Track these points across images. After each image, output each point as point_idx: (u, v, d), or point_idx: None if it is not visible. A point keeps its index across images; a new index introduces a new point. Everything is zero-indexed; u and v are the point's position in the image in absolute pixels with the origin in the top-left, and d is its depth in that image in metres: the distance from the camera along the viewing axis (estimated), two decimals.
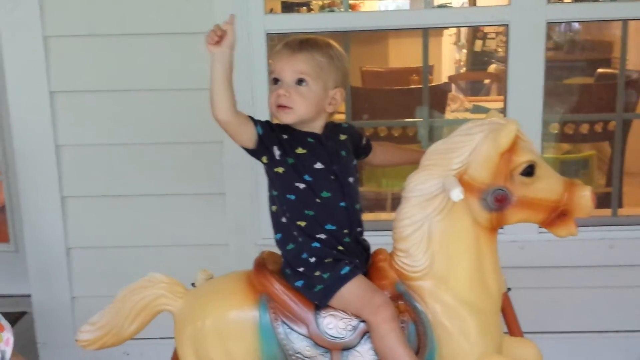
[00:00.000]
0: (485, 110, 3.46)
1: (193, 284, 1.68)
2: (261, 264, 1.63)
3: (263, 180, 2.34)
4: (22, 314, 2.82)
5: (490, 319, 1.57)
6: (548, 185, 1.50)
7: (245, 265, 1.71)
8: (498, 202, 1.49)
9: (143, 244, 2.42)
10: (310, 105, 1.55)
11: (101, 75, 2.33)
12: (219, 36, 1.44)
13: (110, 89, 2.33)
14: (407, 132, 3.22)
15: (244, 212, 2.41)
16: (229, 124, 1.51)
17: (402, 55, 4.65)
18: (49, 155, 2.34)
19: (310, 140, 1.58)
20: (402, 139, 3.20)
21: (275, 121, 1.60)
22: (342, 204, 1.59)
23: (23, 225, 2.43)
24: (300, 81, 1.54)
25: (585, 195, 1.48)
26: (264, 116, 2.24)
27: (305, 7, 4.50)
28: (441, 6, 4.05)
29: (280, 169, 1.57)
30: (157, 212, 2.41)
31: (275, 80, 1.56)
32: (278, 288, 1.57)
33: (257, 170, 2.35)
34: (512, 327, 1.86)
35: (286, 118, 1.55)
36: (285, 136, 1.57)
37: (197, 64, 2.29)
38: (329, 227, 1.57)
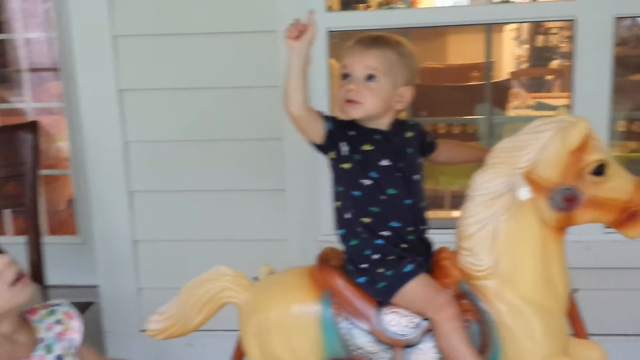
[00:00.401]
0: (549, 107, 3.40)
1: (255, 278, 1.71)
2: (324, 259, 1.65)
3: (323, 177, 2.40)
4: (89, 304, 2.92)
5: (555, 320, 1.54)
6: (619, 184, 1.47)
7: (304, 261, 1.73)
8: (567, 201, 1.46)
9: (206, 238, 2.47)
10: (379, 101, 1.55)
11: (167, 73, 2.39)
12: (299, 31, 1.46)
13: (175, 87, 2.39)
14: (466, 130, 3.18)
15: (304, 208, 2.43)
16: (300, 118, 1.53)
17: (462, 52, 4.59)
18: (117, 151, 2.42)
19: (376, 137, 1.58)
20: (462, 137, 3.16)
21: (341, 118, 1.61)
22: (408, 201, 1.59)
23: (92, 219, 2.51)
24: (370, 77, 1.54)
25: None
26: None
27: (363, 4, 4.49)
28: (504, 1, 3.98)
29: (346, 165, 1.58)
30: (220, 207, 2.46)
31: (345, 76, 1.57)
32: (340, 284, 1.58)
33: (317, 167, 2.37)
34: (578, 328, 1.82)
35: (354, 113, 1.56)
36: (352, 132, 1.58)
37: (260, 62, 2.35)
38: (393, 224, 1.57)
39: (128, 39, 2.37)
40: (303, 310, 1.58)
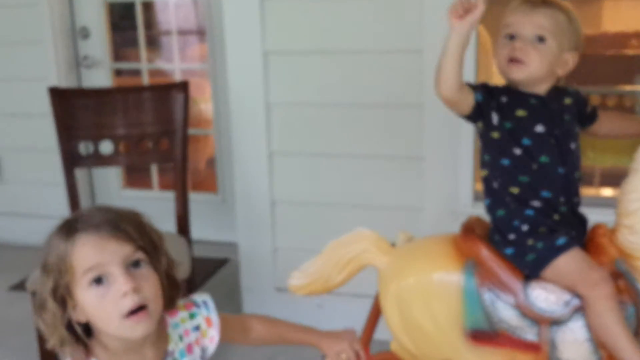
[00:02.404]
0: None
1: (392, 244, 1.70)
2: (469, 228, 1.61)
3: (463, 146, 2.33)
4: (225, 260, 3.06)
5: None
6: None
7: (439, 231, 1.69)
8: None
9: (342, 202, 2.49)
10: (544, 63, 1.48)
11: (312, 36, 2.40)
12: (464, 9, 1.40)
13: (320, 49, 2.40)
14: (623, 102, 2.96)
15: (442, 178, 2.38)
16: (451, 100, 1.49)
17: (619, 18, 4.25)
18: (260, 113, 2.47)
19: (532, 101, 1.51)
20: (618, 110, 2.94)
21: (492, 85, 1.55)
22: (561, 170, 1.51)
23: (233, 178, 2.60)
24: (540, 38, 1.47)
25: None
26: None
27: None
28: None
29: (496, 134, 1.52)
30: (357, 172, 2.46)
31: (510, 37, 1.49)
32: (486, 254, 1.54)
33: (457, 136, 2.31)
34: None
35: (517, 73, 1.49)
36: (505, 99, 1.51)
37: (405, 26, 2.30)
38: (544, 194, 1.50)
39: (274, 1, 2.40)
40: (445, 279, 1.55)
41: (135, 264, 1.05)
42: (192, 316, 1.22)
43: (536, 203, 1.51)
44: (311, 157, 2.49)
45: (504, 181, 1.53)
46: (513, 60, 1.48)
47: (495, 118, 1.51)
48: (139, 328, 1.05)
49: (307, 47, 2.40)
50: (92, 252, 1.03)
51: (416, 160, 2.39)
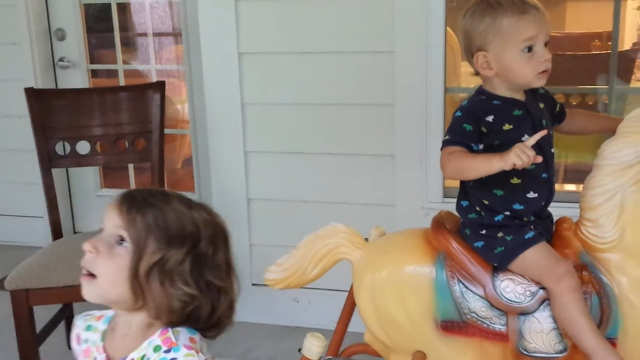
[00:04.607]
0: None
1: (366, 239, 1.75)
2: (440, 222, 1.66)
3: (433, 144, 2.39)
4: None
5: None
6: None
7: (410, 226, 1.74)
8: None
9: (316, 199, 2.54)
10: None
11: (286, 37, 2.44)
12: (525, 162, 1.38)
13: (294, 50, 2.44)
14: (586, 101, 3.05)
15: (413, 175, 2.44)
16: None
17: (581, 20, 4.37)
18: (236, 113, 2.51)
19: (517, 113, 1.52)
20: (581, 108, 3.03)
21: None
22: (545, 175, 1.55)
23: (210, 177, 2.63)
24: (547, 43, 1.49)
25: None
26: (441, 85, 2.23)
27: None
28: None
29: (482, 147, 1.51)
30: (331, 170, 2.51)
31: (529, 48, 1.46)
32: (456, 247, 1.59)
33: (427, 134, 2.37)
34: None
35: (543, 83, 1.50)
36: (490, 118, 1.50)
37: (376, 27, 2.35)
38: (528, 196, 1.54)
39: (248, 3, 2.44)
40: (417, 271, 1.60)
41: (120, 240, 1.06)
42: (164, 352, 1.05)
43: (518, 206, 1.54)
44: (286, 155, 2.54)
45: (488, 185, 1.54)
46: (544, 72, 1.48)
47: (481, 146, 1.51)
48: (83, 289, 1.07)
49: (281, 48, 2.45)
50: (104, 215, 1.08)
51: (388, 158, 2.45)
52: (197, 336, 1.09)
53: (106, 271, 1.05)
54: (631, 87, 3.45)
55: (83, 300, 1.08)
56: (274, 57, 2.47)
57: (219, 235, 1.10)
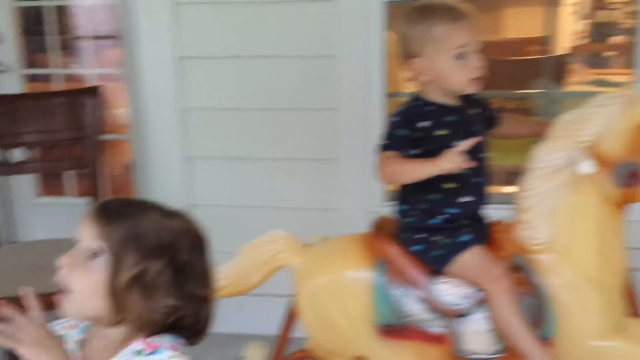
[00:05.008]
0: (610, 84, 3.31)
1: (308, 245, 1.74)
2: (378, 227, 1.67)
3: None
4: None
5: (611, 297, 1.53)
6: None
7: (355, 231, 1.74)
8: (630, 177, 1.45)
9: (260, 205, 2.52)
10: None
11: (227, 41, 2.41)
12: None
13: (236, 54, 2.42)
14: (523, 105, 3.12)
15: (357, 179, 2.45)
16: None
17: (517, 26, 4.48)
18: (175, 118, 2.47)
19: (450, 118, 1.54)
20: (519, 112, 3.10)
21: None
22: (477, 179, 1.58)
23: (151, 183, 2.58)
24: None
25: None
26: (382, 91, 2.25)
27: None
28: None
29: (417, 152, 1.53)
30: (275, 175, 2.50)
31: (462, 55, 1.49)
32: (394, 251, 1.60)
33: (371, 138, 2.37)
34: (634, 307, 1.80)
35: (477, 88, 1.53)
36: (426, 123, 1.52)
37: (319, 32, 2.35)
38: (462, 200, 1.56)
39: (188, 6, 2.40)
40: (356, 276, 1.61)
41: (96, 254, 1.01)
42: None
43: (452, 209, 1.57)
44: (230, 161, 2.51)
45: (424, 190, 1.56)
46: (478, 78, 1.51)
47: (418, 151, 1.53)
48: (62, 307, 1.03)
49: (224, 52, 2.42)
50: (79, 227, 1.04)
51: (332, 162, 2.45)
52: (180, 343, 1.07)
53: (83, 286, 1.01)
54: (565, 90, 3.55)
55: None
56: (216, 61, 2.44)
57: (198, 243, 1.08)
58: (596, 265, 1.50)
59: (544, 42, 3.35)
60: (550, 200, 1.50)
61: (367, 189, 2.44)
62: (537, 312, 1.52)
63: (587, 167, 1.43)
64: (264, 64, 2.41)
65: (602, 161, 1.46)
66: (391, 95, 2.42)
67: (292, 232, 1.74)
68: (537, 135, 1.60)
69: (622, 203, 1.50)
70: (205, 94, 2.47)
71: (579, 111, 1.49)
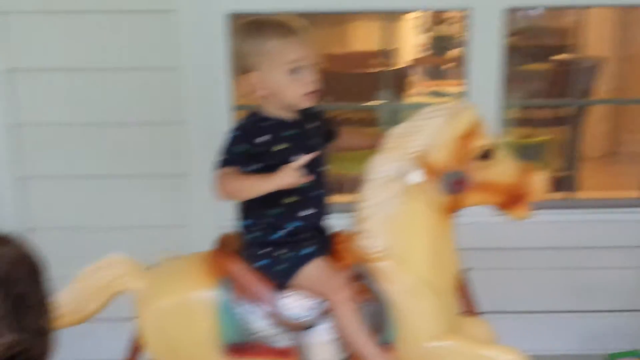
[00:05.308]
0: (445, 95, 3.52)
1: (153, 266, 1.68)
2: (222, 244, 1.65)
3: None
4: None
5: (447, 299, 1.61)
6: (504, 169, 1.54)
7: (206, 247, 1.71)
8: (456, 185, 1.53)
9: (106, 225, 2.40)
10: None
11: (61, 52, 2.28)
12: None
13: (69, 67, 2.29)
14: (366, 116, 3.23)
15: (206, 194, 2.40)
16: None
17: (362, 39, 4.65)
18: (4, 134, 2.29)
19: (289, 133, 1.55)
20: (362, 123, 3.20)
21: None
22: (317, 192, 1.59)
23: None
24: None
25: (539, 180, 1.53)
26: (229, 105, 2.24)
27: None
28: None
29: (257, 166, 1.52)
30: (120, 193, 2.40)
31: (296, 70, 1.50)
32: (238, 269, 1.58)
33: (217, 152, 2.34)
34: (468, 306, 1.91)
35: (313, 102, 1.53)
36: (263, 139, 1.52)
37: (158, 42, 2.29)
38: (303, 213, 1.58)
39: (19, 15, 2.25)
40: (200, 297, 1.58)
41: None
42: None
43: (295, 223, 1.58)
44: (70, 179, 2.38)
45: (265, 205, 1.56)
46: (313, 92, 1.52)
47: (258, 165, 1.52)
48: None
49: (58, 64, 2.30)
50: None
51: (180, 177, 2.39)
52: None
53: None
54: (405, 102, 3.72)
55: None
56: (50, 74, 2.30)
57: (34, 271, 1.00)
58: (430, 269, 1.57)
59: (386, 55, 3.48)
60: (386, 209, 1.55)
61: (218, 205, 2.39)
62: (378, 318, 1.56)
63: (416, 176, 1.49)
64: (101, 76, 2.31)
65: (431, 171, 1.53)
66: (240, 107, 2.41)
67: (141, 251, 1.66)
68: (373, 147, 1.65)
69: (451, 209, 1.58)
70: (40, 108, 2.32)
71: (408, 124, 1.56)
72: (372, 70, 3.79)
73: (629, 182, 2.82)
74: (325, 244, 1.64)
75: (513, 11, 2.40)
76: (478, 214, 2.27)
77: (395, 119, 2.97)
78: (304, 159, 1.44)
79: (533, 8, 4.80)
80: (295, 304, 1.56)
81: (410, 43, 5.65)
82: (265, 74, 1.51)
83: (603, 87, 4.24)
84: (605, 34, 4.83)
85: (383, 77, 2.84)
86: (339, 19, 4.70)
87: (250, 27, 1.53)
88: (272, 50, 1.49)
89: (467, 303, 1.90)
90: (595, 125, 4.52)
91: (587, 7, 2.57)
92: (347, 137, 1.78)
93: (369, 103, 3.39)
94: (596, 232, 2.51)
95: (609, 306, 2.58)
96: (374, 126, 3.21)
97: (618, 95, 4.54)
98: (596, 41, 4.86)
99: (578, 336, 2.59)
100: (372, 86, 3.21)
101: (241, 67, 1.55)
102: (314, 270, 1.55)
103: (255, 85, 1.53)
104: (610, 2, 2.72)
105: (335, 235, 1.65)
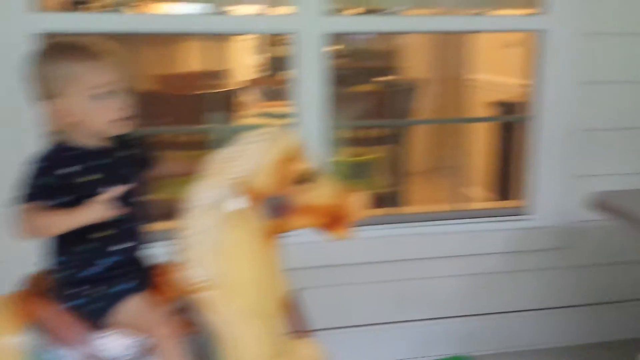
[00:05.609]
0: (275, 116, 3.55)
1: None
2: (30, 285, 1.52)
3: None
4: None
5: (272, 323, 1.59)
6: (323, 192, 1.56)
7: (11, 288, 1.56)
8: (278, 209, 1.52)
9: None
10: None
11: None
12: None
13: None
14: (194, 139, 3.16)
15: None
16: None
17: (195, 59, 4.59)
18: None
19: (99, 162, 1.47)
20: (192, 147, 3.13)
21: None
22: (133, 224, 1.52)
23: None
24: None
25: (356, 200, 1.57)
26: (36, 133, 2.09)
27: (82, 5, 4.09)
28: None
29: (65, 199, 1.41)
30: None
31: (105, 95, 1.42)
32: (48, 311, 1.46)
33: None
34: (297, 328, 1.91)
35: (127, 128, 1.46)
36: (69, 170, 1.42)
37: None
38: (117, 247, 1.50)
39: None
40: (5, 345, 1.43)
41: None
42: None
43: (108, 258, 1.49)
44: None
45: (75, 241, 1.45)
46: (126, 118, 1.44)
47: (65, 199, 1.41)
48: None
49: None
50: None
51: None
52: None
53: None
54: (236, 124, 3.70)
55: None
56: None
57: None
58: (256, 296, 1.54)
59: (219, 76, 3.44)
60: (208, 237, 1.50)
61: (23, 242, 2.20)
62: (204, 350, 1.51)
63: (238, 202, 1.47)
64: None
65: (254, 196, 1.51)
66: (53, 134, 2.24)
67: None
68: (190, 174, 1.60)
69: (275, 233, 1.57)
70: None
71: (228, 148, 1.53)
72: (204, 91, 3.72)
73: (451, 195, 3.03)
74: (145, 278, 1.56)
75: (337, 35, 2.48)
76: (308, 234, 2.31)
77: (226, 142, 2.93)
78: (115, 190, 1.36)
79: (352, 34, 5.06)
80: (113, 343, 1.47)
81: (245, 64, 5.65)
82: (70, 100, 1.41)
83: (425, 106, 4.52)
84: (425, 58, 5.18)
85: (215, 98, 2.79)
86: (171, 39, 4.60)
87: (54, 50, 1.43)
88: (76, 75, 1.40)
89: (297, 324, 1.90)
90: (419, 143, 4.81)
91: (405, 33, 2.71)
92: (170, 163, 1.72)
93: (200, 126, 3.32)
94: (421, 244, 2.65)
95: (437, 314, 2.73)
96: (205, 149, 3.13)
97: (438, 115, 4.86)
98: (417, 64, 5.20)
99: (408, 345, 2.70)
100: (203, 108, 3.15)
101: (44, 93, 1.44)
102: (133, 306, 1.47)
103: (60, 113, 1.42)
104: (424, 28, 2.90)
105: (156, 267, 1.58)
